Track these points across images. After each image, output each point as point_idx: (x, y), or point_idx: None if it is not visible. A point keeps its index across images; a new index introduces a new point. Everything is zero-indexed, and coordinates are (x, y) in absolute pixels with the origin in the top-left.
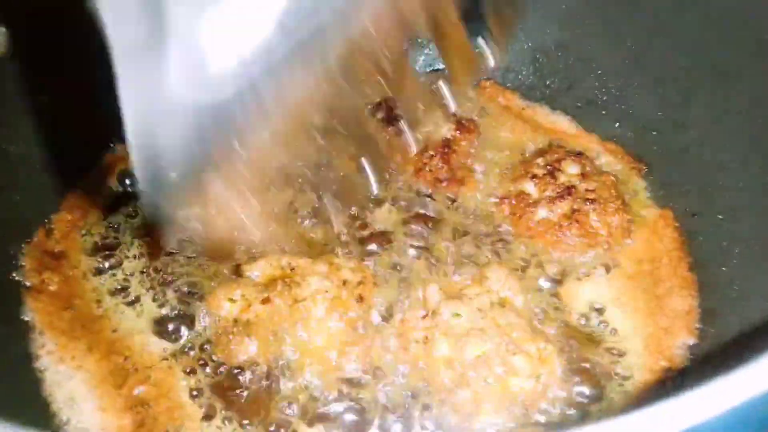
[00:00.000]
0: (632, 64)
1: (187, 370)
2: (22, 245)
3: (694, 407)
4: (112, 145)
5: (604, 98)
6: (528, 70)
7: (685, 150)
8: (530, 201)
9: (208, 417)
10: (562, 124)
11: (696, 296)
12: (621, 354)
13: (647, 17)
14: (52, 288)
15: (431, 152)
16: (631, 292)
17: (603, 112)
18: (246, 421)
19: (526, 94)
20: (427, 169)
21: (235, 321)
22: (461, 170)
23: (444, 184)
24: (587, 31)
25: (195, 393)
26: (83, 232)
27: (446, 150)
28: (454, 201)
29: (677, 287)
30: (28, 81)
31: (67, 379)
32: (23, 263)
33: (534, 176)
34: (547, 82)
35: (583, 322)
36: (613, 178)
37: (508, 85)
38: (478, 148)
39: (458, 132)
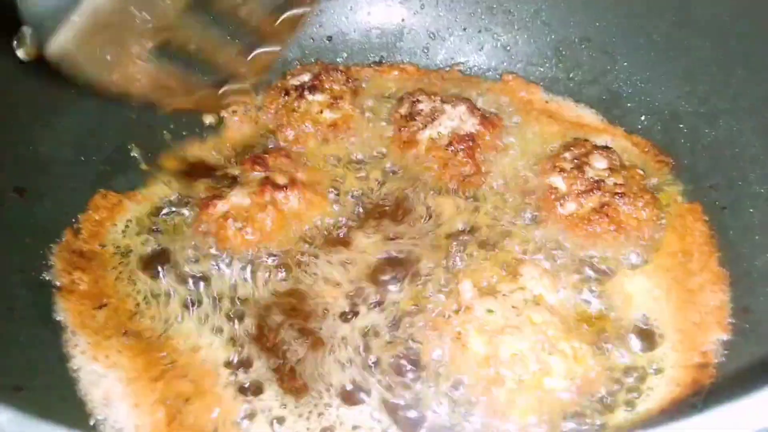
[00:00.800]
0: (659, 56)
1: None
2: (51, 246)
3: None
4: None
5: (630, 91)
6: (551, 62)
7: (713, 143)
8: (559, 195)
9: (248, 416)
10: (587, 117)
11: (728, 291)
12: (655, 350)
13: (674, 8)
14: (82, 287)
15: (455, 147)
16: (663, 287)
17: (629, 105)
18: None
19: (550, 88)
20: (451, 164)
21: None
22: (486, 164)
23: (469, 179)
24: (611, 23)
25: (235, 388)
26: (111, 231)
27: (471, 144)
28: (478, 198)
29: (708, 282)
30: (58, 83)
31: (102, 377)
32: (53, 263)
33: (562, 170)
34: (571, 75)
35: (616, 318)
36: (641, 172)
37: (531, 78)
38: (503, 142)
39: (482, 126)
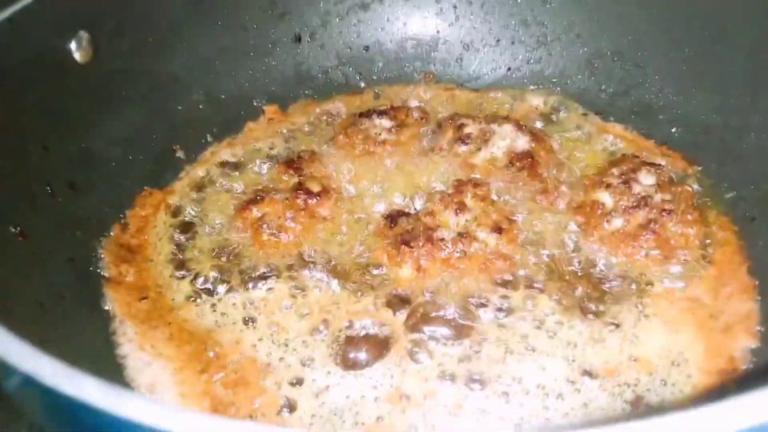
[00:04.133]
0: (690, 69)
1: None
2: (101, 239)
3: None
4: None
5: (661, 103)
6: (584, 75)
7: (743, 155)
8: (605, 211)
9: (287, 407)
10: (618, 128)
11: (756, 300)
12: (681, 356)
13: (706, 23)
14: (128, 279)
15: (517, 166)
16: (692, 295)
17: (660, 117)
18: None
19: (582, 99)
20: (519, 183)
21: None
22: (551, 181)
23: (541, 196)
24: (644, 37)
25: (277, 379)
26: (156, 226)
27: (531, 161)
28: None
29: (737, 291)
30: (111, 84)
31: (147, 365)
32: (102, 256)
33: (609, 186)
34: (603, 87)
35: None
36: (689, 189)
37: (563, 90)
38: (554, 157)
39: (535, 142)
